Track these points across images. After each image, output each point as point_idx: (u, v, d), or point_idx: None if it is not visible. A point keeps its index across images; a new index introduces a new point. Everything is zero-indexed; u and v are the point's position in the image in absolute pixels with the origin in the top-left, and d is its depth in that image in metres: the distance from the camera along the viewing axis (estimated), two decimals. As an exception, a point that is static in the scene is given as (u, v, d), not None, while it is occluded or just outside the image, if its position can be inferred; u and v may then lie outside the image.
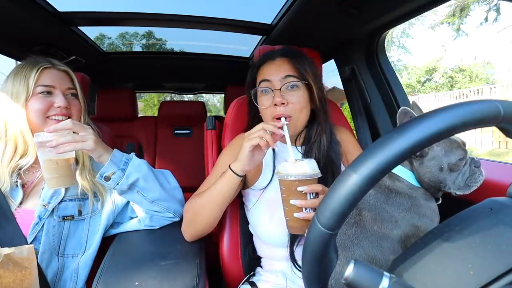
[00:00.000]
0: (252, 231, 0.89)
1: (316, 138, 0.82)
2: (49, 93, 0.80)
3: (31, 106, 0.78)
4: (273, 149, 0.84)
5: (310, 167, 0.60)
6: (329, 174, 0.79)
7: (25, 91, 0.78)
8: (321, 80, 0.85)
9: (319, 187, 0.60)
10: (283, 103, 0.75)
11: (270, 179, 0.82)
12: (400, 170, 0.71)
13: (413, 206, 0.67)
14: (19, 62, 0.86)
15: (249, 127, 0.91)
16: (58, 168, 0.69)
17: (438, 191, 0.72)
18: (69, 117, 0.81)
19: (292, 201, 0.59)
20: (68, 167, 0.72)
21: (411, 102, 0.75)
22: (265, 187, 0.82)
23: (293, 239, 0.77)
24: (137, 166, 0.78)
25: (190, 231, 0.79)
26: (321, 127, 0.82)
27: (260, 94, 0.81)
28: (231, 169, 0.70)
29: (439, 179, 0.68)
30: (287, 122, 0.70)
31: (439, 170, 0.68)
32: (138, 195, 0.79)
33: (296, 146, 0.85)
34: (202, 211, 0.75)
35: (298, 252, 0.78)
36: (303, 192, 0.59)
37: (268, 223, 0.79)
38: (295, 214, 0.59)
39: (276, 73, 0.78)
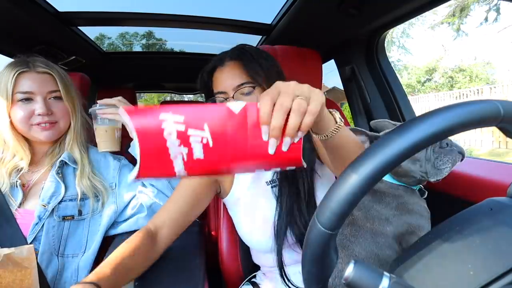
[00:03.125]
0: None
1: None
2: (28, 99, 0.77)
3: (13, 114, 0.77)
4: None
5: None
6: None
7: (5, 98, 0.75)
8: (278, 75, 0.75)
9: None
10: None
11: (243, 186, 0.79)
12: None
13: (400, 204, 0.68)
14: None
15: None
16: (106, 134, 0.86)
17: (417, 184, 0.73)
18: (54, 122, 0.81)
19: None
20: (113, 133, 0.87)
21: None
22: (240, 195, 0.79)
23: (279, 242, 0.72)
24: None
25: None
26: None
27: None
28: None
29: (409, 172, 0.69)
30: None
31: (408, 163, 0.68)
32: None
33: None
34: None
35: (288, 256, 0.76)
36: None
37: (250, 228, 0.77)
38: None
39: (227, 81, 0.70)
